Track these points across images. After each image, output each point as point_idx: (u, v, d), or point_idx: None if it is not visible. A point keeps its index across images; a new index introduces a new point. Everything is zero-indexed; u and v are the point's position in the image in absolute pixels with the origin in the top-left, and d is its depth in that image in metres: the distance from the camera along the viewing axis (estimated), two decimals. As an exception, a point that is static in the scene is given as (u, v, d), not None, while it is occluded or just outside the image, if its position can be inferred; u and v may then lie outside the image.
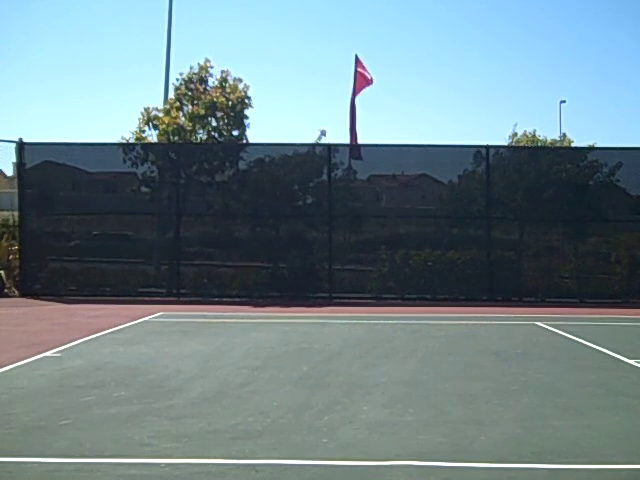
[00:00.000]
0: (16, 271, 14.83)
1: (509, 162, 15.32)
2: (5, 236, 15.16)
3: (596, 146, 16.79)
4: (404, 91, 63.80)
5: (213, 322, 10.97)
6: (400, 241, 14.80)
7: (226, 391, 6.06)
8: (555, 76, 67.04)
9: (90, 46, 62.81)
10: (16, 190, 15.16)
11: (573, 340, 9.20)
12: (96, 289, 14.73)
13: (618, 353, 8.02)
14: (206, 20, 59.31)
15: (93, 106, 67.09)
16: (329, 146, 14.95)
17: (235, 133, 15.63)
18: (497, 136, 47.78)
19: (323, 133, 15.97)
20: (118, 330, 9.79)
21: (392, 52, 64.21)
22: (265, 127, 56.54)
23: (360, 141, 16.27)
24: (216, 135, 15.46)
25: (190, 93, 15.50)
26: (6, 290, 14.64)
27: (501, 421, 5.14)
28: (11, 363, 7.15)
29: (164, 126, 15.08)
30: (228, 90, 15.47)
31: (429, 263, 14.49)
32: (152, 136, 15.56)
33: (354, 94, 16.60)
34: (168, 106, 15.59)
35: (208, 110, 15.18)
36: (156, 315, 11.63)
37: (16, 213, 14.96)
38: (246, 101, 15.51)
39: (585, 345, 8.77)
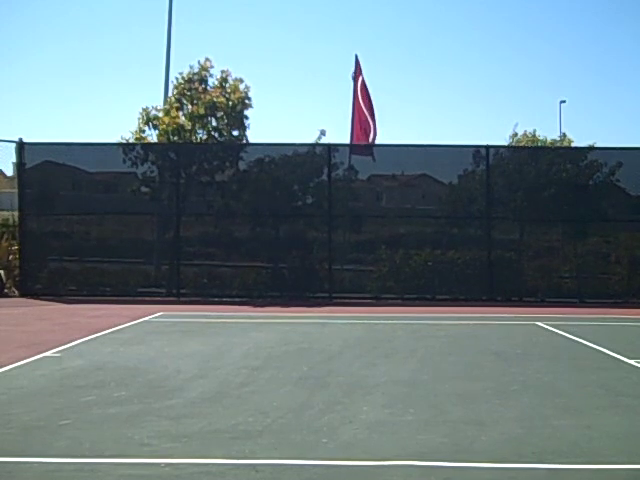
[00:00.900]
0: (16, 271, 14.83)
1: (509, 162, 15.30)
2: (5, 236, 15.16)
3: (596, 146, 16.78)
4: (404, 91, 63.80)
5: (213, 322, 10.97)
6: (400, 241, 14.80)
7: (226, 391, 6.06)
8: (555, 76, 67.08)
9: (90, 46, 62.81)
10: (16, 190, 15.16)
11: (573, 340, 9.20)
12: (96, 289, 14.73)
13: (618, 353, 8.02)
14: (206, 20, 59.31)
15: (93, 106, 67.08)
16: (329, 146, 14.95)
17: (235, 133, 15.63)
18: (497, 136, 47.80)
19: (323, 133, 15.97)
20: (118, 330, 9.79)
21: (392, 52, 64.24)
22: (265, 127, 56.55)
23: (359, 141, 16.25)
24: (216, 135, 15.46)
25: (189, 93, 15.49)
26: (6, 290, 14.64)
27: (501, 421, 5.14)
28: (11, 363, 7.15)
29: (164, 126, 15.08)
30: (228, 90, 15.46)
31: (429, 263, 14.49)
32: (152, 136, 15.56)
33: (365, 99, 16.50)
34: (168, 106, 15.58)
35: (208, 110, 15.18)
36: (156, 315, 11.63)
37: (16, 213, 14.97)
38: (246, 101, 15.50)
39: (585, 345, 8.77)
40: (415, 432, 4.84)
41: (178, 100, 15.54)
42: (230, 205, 15.07)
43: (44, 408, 5.40)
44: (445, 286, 14.53)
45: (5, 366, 7.00)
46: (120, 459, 4.24)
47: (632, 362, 7.52)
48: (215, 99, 15.16)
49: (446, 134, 69.75)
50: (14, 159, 15.18)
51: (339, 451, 4.42)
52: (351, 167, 15.14)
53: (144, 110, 15.37)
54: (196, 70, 15.71)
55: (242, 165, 15.08)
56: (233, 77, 15.71)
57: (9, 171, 19.99)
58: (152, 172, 14.95)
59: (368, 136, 16.25)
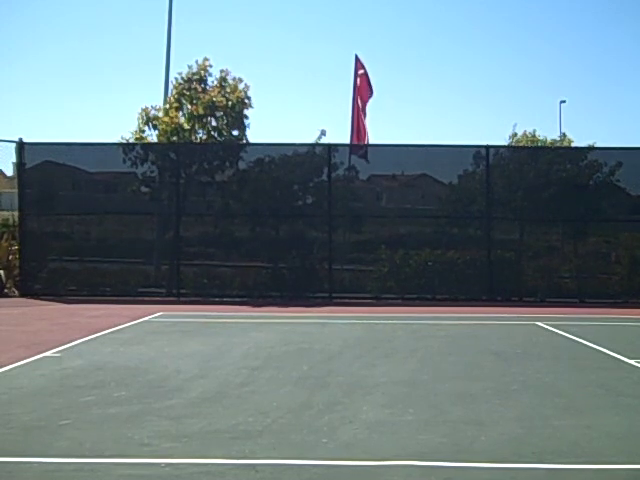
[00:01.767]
0: (16, 271, 14.83)
1: (509, 162, 15.30)
2: (5, 236, 15.16)
3: (596, 146, 16.80)
4: (404, 91, 63.78)
5: (213, 322, 10.97)
6: (400, 241, 14.80)
7: (226, 391, 6.06)
8: (555, 76, 67.09)
9: (90, 46, 62.84)
10: (16, 190, 15.16)
11: (573, 340, 9.20)
12: (96, 289, 14.72)
13: (618, 353, 8.02)
14: (206, 20, 59.33)
15: (93, 106, 67.10)
16: (329, 146, 14.94)
17: (235, 133, 15.62)
18: (497, 136, 47.79)
19: (323, 133, 15.96)
20: (118, 330, 9.79)
21: (392, 52, 64.25)
22: (265, 127, 56.52)
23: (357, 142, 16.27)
24: (216, 135, 15.44)
25: (189, 93, 15.47)
26: (6, 290, 14.64)
27: (501, 421, 5.14)
28: (11, 363, 7.15)
29: (163, 126, 15.08)
30: (228, 90, 15.45)
31: (429, 263, 14.49)
32: (152, 136, 15.55)
33: (363, 98, 16.53)
34: (167, 106, 15.58)
35: (207, 110, 15.16)
36: (156, 315, 11.63)
37: (16, 213, 14.96)
38: (246, 101, 15.49)
39: (585, 345, 8.77)
40: (415, 432, 4.84)
41: (177, 100, 15.53)
42: (230, 205, 15.07)
43: (44, 408, 5.40)
44: (445, 286, 14.52)
45: (5, 366, 7.00)
46: (120, 459, 4.25)
47: (632, 362, 7.52)
48: (214, 99, 15.15)
49: (446, 134, 69.79)
50: (14, 159, 15.17)
51: (339, 451, 4.42)
52: (351, 167, 15.14)
53: (144, 110, 15.37)
54: (195, 70, 15.69)
55: (242, 165, 15.06)
56: (232, 77, 15.72)
57: (9, 171, 20.00)
58: (152, 172, 14.94)
59: (363, 138, 16.27)
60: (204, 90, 15.54)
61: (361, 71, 16.64)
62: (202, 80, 15.66)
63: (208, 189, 15.19)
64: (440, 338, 9.30)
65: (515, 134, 22.78)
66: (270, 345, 8.51)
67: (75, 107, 64.67)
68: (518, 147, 20.01)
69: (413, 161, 14.91)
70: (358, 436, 4.75)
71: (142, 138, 15.43)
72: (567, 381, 6.60)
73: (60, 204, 15.34)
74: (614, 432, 4.88)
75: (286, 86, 67.61)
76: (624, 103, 64.77)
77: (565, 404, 5.68)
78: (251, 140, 15.78)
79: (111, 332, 9.58)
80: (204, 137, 15.49)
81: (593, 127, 62.71)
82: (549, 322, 10.83)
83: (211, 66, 15.77)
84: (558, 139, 22.97)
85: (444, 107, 68.24)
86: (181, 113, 15.42)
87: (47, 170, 15.15)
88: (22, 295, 14.45)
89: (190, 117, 15.26)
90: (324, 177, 14.84)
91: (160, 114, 15.40)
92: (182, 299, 14.36)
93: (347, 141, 16.16)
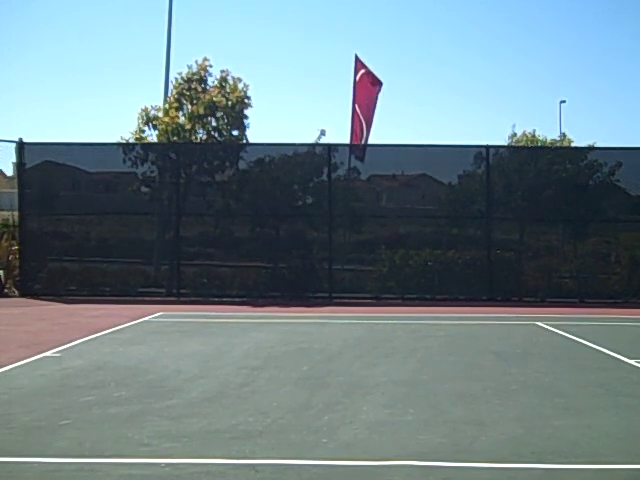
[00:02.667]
0: (16, 271, 14.83)
1: (509, 162, 15.31)
2: (5, 236, 15.16)
3: (596, 146, 16.78)
4: (404, 91, 63.79)
5: (213, 322, 10.97)
6: (400, 241, 14.80)
7: (226, 391, 6.06)
8: (555, 76, 67.12)
9: (90, 46, 62.86)
10: (16, 190, 15.16)
11: (573, 340, 9.20)
12: (96, 289, 14.72)
13: (618, 353, 8.02)
14: (206, 20, 59.34)
15: (93, 106, 67.12)
16: (329, 146, 14.94)
17: (235, 133, 15.62)
18: (497, 136, 47.76)
19: (323, 133, 15.94)
20: (118, 330, 9.79)
21: (392, 52, 64.25)
22: (265, 127, 56.55)
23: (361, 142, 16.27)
24: (216, 135, 15.44)
25: (189, 93, 15.47)
26: (6, 290, 14.64)
27: (501, 421, 5.14)
28: (11, 363, 7.15)
29: (163, 126, 15.08)
30: (228, 90, 15.45)
31: (429, 263, 14.48)
32: (152, 136, 15.55)
33: (361, 99, 16.51)
34: (167, 106, 15.57)
35: (207, 110, 15.16)
36: (156, 315, 11.63)
37: (16, 213, 14.96)
38: (246, 101, 15.49)
39: (585, 345, 8.77)
40: (415, 432, 4.84)
41: (177, 100, 15.53)
42: (230, 205, 15.06)
43: (44, 408, 5.40)
44: (445, 286, 14.52)
45: (5, 366, 7.00)
46: (120, 459, 4.25)
47: (632, 362, 7.52)
48: (214, 99, 15.15)
49: (446, 134, 69.82)
50: (14, 159, 15.17)
51: (339, 451, 4.42)
52: (351, 167, 15.14)
53: (144, 110, 15.37)
54: (195, 70, 15.69)
55: (242, 165, 15.07)
56: (232, 77, 15.71)
57: (9, 171, 20.01)
58: (152, 172, 14.94)
59: (360, 138, 16.27)
60: (204, 90, 15.54)
61: (362, 71, 16.62)
62: (202, 80, 15.66)
63: (208, 189, 15.18)
64: (440, 338, 9.30)
65: (514, 134, 22.79)
66: (270, 345, 8.51)
67: (75, 107, 64.71)
68: (518, 147, 20.01)
69: (413, 161, 14.91)
70: (358, 436, 4.75)
71: (142, 138, 15.42)
72: (567, 381, 6.60)
73: (60, 204, 15.35)
74: (614, 432, 4.88)
75: (286, 86, 67.68)
76: (624, 103, 64.85)
77: (565, 404, 5.68)
78: (251, 140, 15.80)
79: (111, 332, 9.59)
80: (204, 137, 15.49)
81: (593, 127, 62.78)
82: (549, 322, 10.83)
83: (211, 66, 15.79)
84: (558, 139, 22.96)
85: (444, 107, 68.33)
86: (181, 113, 15.43)
87: (47, 170, 15.15)
88: (22, 295, 14.45)
89: (190, 117, 15.26)
90: (324, 177, 14.84)
91: (160, 114, 15.40)
92: (182, 299, 14.36)
93: (347, 141, 16.16)
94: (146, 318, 11.16)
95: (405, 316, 11.88)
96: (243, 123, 15.57)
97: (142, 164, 14.80)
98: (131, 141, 15.22)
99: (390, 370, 7.03)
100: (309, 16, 64.69)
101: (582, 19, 63.33)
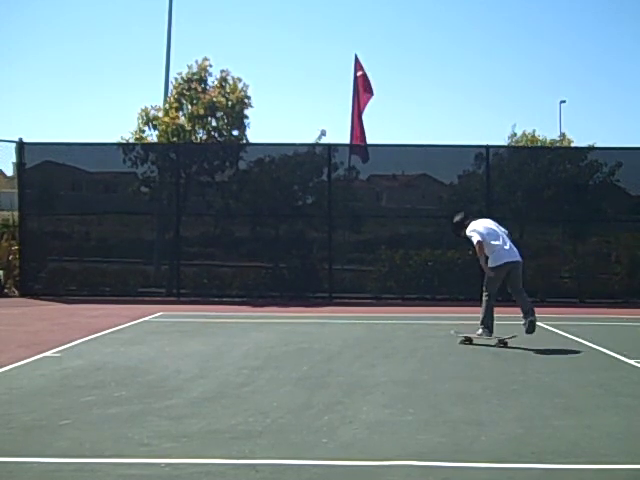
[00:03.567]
0: (16, 271, 14.83)
1: (509, 162, 15.31)
2: (5, 236, 15.17)
3: (596, 146, 16.77)
4: (404, 91, 63.88)
5: (213, 322, 10.97)
6: (400, 241, 14.80)
7: (226, 391, 6.07)
8: (555, 76, 67.18)
9: (90, 46, 62.92)
10: (16, 190, 15.16)
11: (573, 340, 9.21)
12: (96, 289, 14.73)
13: (618, 353, 8.02)
14: (206, 20, 59.39)
15: (93, 106, 67.21)
16: (329, 146, 14.94)
17: (235, 133, 15.62)
18: (497, 136, 47.86)
19: (323, 133, 15.96)
20: (118, 330, 9.80)
21: (392, 52, 64.34)
22: (265, 127, 56.62)
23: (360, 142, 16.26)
24: (216, 135, 15.45)
25: (189, 93, 15.48)
26: (6, 290, 14.65)
27: (501, 421, 5.14)
28: (11, 363, 7.15)
29: (163, 126, 15.08)
30: (228, 90, 15.45)
31: (429, 263, 14.49)
32: (152, 136, 15.55)
33: (361, 101, 16.49)
34: (167, 106, 15.58)
35: (207, 110, 15.17)
36: (156, 315, 11.64)
37: (16, 213, 14.97)
38: (246, 101, 15.49)
39: (585, 345, 8.77)
40: (415, 432, 4.84)
41: (177, 100, 15.53)
42: (230, 205, 15.07)
43: (44, 408, 5.40)
44: (445, 286, 14.51)
45: (5, 366, 7.00)
46: (120, 459, 4.25)
47: (632, 362, 7.52)
48: (214, 99, 15.15)
49: (446, 134, 69.87)
50: (14, 159, 15.18)
51: (339, 451, 4.42)
52: (351, 167, 15.14)
53: (143, 110, 15.37)
54: (195, 70, 15.69)
55: (242, 165, 15.07)
56: (232, 77, 15.71)
57: (9, 171, 20.03)
58: (152, 172, 14.94)
59: (356, 140, 16.27)
60: (204, 90, 15.53)
61: (359, 72, 16.61)
62: (202, 80, 15.66)
63: (208, 189, 15.18)
64: (440, 338, 9.31)
65: (514, 134, 22.80)
66: (270, 345, 8.51)
67: (75, 107, 64.80)
68: (518, 147, 20.01)
69: (413, 161, 14.90)
70: (358, 436, 4.75)
71: (142, 138, 15.43)
72: (567, 381, 6.60)
73: (60, 204, 15.35)
74: (614, 432, 4.88)
75: (286, 86, 67.75)
76: (624, 103, 64.89)
77: (565, 404, 5.68)
78: (251, 140, 15.80)
79: (111, 332, 9.59)
80: (204, 137, 15.49)
81: (593, 127, 62.86)
82: (549, 322, 10.83)
83: (211, 66, 15.78)
84: (558, 139, 22.98)
85: (444, 107, 68.43)
86: (181, 113, 15.43)
87: (47, 170, 15.15)
88: (22, 295, 14.46)
89: (190, 117, 15.26)
90: (324, 177, 14.84)
91: (160, 114, 15.40)
92: (182, 299, 14.37)
93: (347, 141, 16.15)
94: (146, 318, 11.16)
95: (405, 316, 11.89)
96: (243, 123, 15.57)
97: (142, 164, 14.81)
98: (131, 141, 15.22)
99: (390, 370, 7.03)
100: (309, 16, 64.77)
101: (582, 19, 63.41)
